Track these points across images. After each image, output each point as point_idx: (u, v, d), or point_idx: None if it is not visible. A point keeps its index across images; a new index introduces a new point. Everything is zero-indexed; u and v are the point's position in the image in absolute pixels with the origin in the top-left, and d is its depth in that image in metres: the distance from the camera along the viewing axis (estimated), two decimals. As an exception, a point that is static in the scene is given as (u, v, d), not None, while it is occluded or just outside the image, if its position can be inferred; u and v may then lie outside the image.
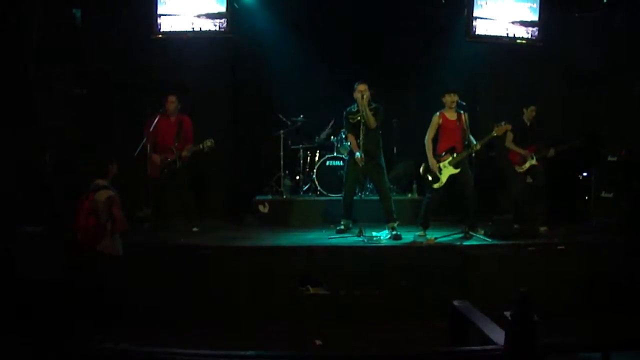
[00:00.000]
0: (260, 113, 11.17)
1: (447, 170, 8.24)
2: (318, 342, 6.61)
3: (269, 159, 10.81)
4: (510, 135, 8.77)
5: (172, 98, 8.71)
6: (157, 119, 8.47)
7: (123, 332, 6.09)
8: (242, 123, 11.07)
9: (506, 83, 10.44)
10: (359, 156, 8.33)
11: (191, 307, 7.25)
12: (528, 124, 8.92)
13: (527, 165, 8.82)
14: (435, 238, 8.15)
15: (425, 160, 8.36)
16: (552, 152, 8.89)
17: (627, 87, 9.68)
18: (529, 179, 8.91)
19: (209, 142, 8.56)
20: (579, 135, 9.23)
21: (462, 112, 8.35)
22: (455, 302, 5.00)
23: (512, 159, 8.95)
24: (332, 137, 10.61)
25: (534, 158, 8.78)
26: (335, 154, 10.37)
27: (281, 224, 9.68)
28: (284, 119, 10.50)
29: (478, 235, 8.25)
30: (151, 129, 8.41)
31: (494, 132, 8.11)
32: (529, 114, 8.89)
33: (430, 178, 8.31)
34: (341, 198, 8.98)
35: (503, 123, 8.12)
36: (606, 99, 9.89)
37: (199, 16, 9.51)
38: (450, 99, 8.29)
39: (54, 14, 9.18)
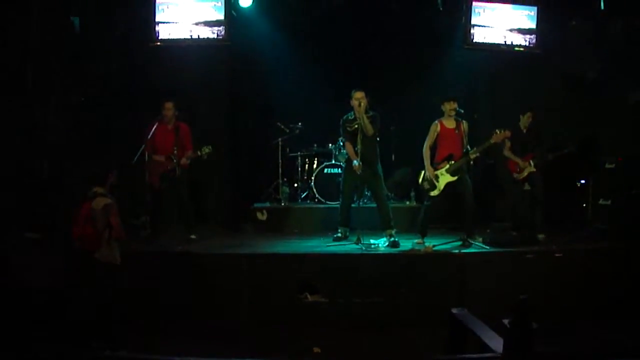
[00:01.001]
0: (258, 120, 11.19)
1: (445, 178, 8.24)
2: (316, 349, 6.60)
3: (267, 166, 10.83)
4: (507, 144, 8.78)
5: (168, 105, 8.65)
6: (155, 126, 8.46)
7: (122, 340, 6.09)
8: (240, 130, 11.07)
9: (504, 90, 10.45)
10: (357, 164, 8.33)
11: (190, 315, 7.24)
12: (524, 130, 8.92)
13: (525, 172, 8.81)
14: (434, 245, 8.14)
15: (424, 167, 8.36)
16: (550, 157, 8.90)
17: (625, 95, 9.69)
18: (527, 187, 8.91)
19: (206, 149, 8.53)
20: (576, 141, 9.25)
21: (461, 120, 8.36)
22: (454, 310, 5.00)
23: (510, 167, 8.95)
24: (330, 144, 10.63)
25: (532, 165, 8.78)
26: (333, 162, 10.38)
27: (279, 231, 9.69)
28: (282, 127, 10.50)
29: (476, 243, 8.24)
30: (149, 137, 8.41)
31: (491, 139, 8.12)
32: (525, 120, 8.90)
33: (427, 186, 8.31)
34: (339, 205, 8.98)
35: (501, 130, 8.12)
36: (604, 107, 9.89)
37: (197, 24, 9.52)
38: (450, 106, 8.29)
39: (52, 21, 9.17)
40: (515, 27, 9.59)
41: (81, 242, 6.44)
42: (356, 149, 8.35)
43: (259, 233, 9.65)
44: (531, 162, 8.78)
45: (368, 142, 8.38)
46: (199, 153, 8.53)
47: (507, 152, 8.88)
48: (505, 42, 9.62)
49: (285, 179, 10.55)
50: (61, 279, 6.84)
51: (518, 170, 8.85)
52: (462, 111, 8.36)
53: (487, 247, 8.07)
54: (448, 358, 4.83)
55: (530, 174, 8.82)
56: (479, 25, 9.51)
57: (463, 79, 10.23)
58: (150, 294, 7.24)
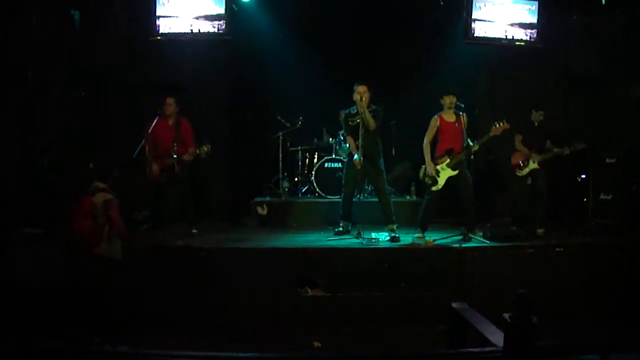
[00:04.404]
0: (258, 115, 11.16)
1: (445, 173, 8.23)
2: (317, 344, 6.61)
3: (268, 160, 10.82)
4: (519, 137, 8.72)
5: (169, 100, 8.62)
6: (155, 121, 8.45)
7: (122, 335, 6.09)
8: (241, 125, 11.06)
9: (505, 85, 10.43)
10: (357, 159, 8.31)
11: (191, 309, 7.24)
12: (536, 124, 8.83)
13: (526, 169, 8.75)
14: (434, 240, 8.15)
15: (424, 162, 8.35)
16: (567, 151, 8.77)
17: (626, 89, 9.68)
18: (529, 181, 8.87)
19: (205, 148, 8.48)
20: (578, 137, 9.23)
21: (461, 113, 8.34)
22: (454, 304, 4.99)
23: (513, 163, 8.88)
24: (330, 139, 10.63)
25: (535, 162, 8.73)
26: (333, 156, 10.37)
27: (280, 225, 9.69)
28: (283, 121, 10.50)
29: (476, 237, 8.25)
30: (150, 131, 8.40)
31: (491, 132, 8.08)
32: (537, 116, 8.76)
33: (429, 181, 8.30)
34: (340, 200, 8.98)
35: (499, 123, 8.08)
36: (605, 101, 9.89)
37: (197, 18, 9.52)
38: (449, 100, 8.28)
39: (52, 15, 9.17)
40: (516, 22, 9.58)
41: (81, 237, 6.44)
42: (357, 143, 8.34)
43: (259, 227, 9.66)
44: (534, 159, 8.72)
45: (370, 136, 8.36)
46: (198, 152, 8.49)
47: (518, 145, 8.79)
48: (506, 36, 9.62)
49: (285, 174, 10.54)
50: (62, 275, 6.84)
51: (521, 166, 8.78)
52: (463, 105, 8.34)
53: (487, 241, 8.07)
54: (448, 352, 4.83)
55: (533, 169, 8.76)
56: (480, 20, 9.50)
57: (464, 73, 10.19)
58: (151, 289, 7.24)
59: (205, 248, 7.91)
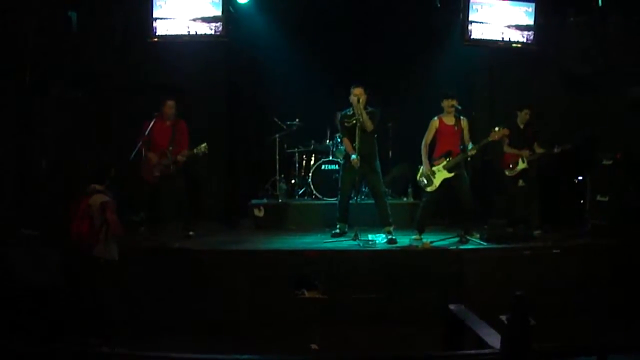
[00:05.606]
0: (255, 117, 11.17)
1: (441, 174, 8.24)
2: (314, 346, 6.60)
3: (265, 162, 10.81)
4: (505, 139, 8.77)
5: (170, 103, 8.63)
6: (152, 123, 8.44)
7: (120, 337, 6.09)
8: (238, 127, 11.05)
9: (502, 87, 10.45)
10: (355, 158, 8.31)
11: (188, 311, 7.24)
12: (522, 126, 8.92)
13: (518, 168, 8.80)
14: (431, 242, 8.15)
15: (422, 164, 8.36)
16: (556, 150, 8.82)
17: (623, 90, 9.69)
18: (522, 183, 8.91)
19: (202, 147, 8.49)
20: (574, 138, 9.24)
21: (461, 117, 8.34)
22: (451, 306, 5.01)
23: (504, 162, 8.94)
24: (327, 141, 10.62)
25: (524, 162, 8.77)
26: (330, 158, 10.37)
27: (277, 227, 9.67)
28: (280, 123, 10.49)
29: (473, 239, 8.26)
30: (146, 132, 8.39)
31: (489, 137, 8.12)
32: (522, 116, 8.89)
33: (424, 181, 8.32)
34: (337, 202, 8.97)
35: (499, 128, 8.12)
36: (601, 102, 9.90)
37: (194, 20, 9.52)
38: (448, 103, 8.28)
39: (50, 16, 9.16)
40: (513, 24, 9.60)
41: (79, 238, 6.44)
42: (354, 144, 8.34)
43: (256, 229, 9.65)
44: (524, 159, 8.78)
45: (366, 138, 8.36)
46: (195, 151, 8.49)
47: (506, 148, 8.87)
48: (503, 38, 9.63)
49: (282, 176, 10.53)
50: (59, 276, 6.83)
51: (510, 166, 8.85)
52: (461, 107, 8.35)
53: (484, 243, 8.09)
54: (445, 354, 4.84)
55: (523, 170, 8.81)
56: (477, 22, 9.52)
57: (461, 75, 10.21)
58: (148, 291, 7.23)
59: (201, 250, 7.92)
